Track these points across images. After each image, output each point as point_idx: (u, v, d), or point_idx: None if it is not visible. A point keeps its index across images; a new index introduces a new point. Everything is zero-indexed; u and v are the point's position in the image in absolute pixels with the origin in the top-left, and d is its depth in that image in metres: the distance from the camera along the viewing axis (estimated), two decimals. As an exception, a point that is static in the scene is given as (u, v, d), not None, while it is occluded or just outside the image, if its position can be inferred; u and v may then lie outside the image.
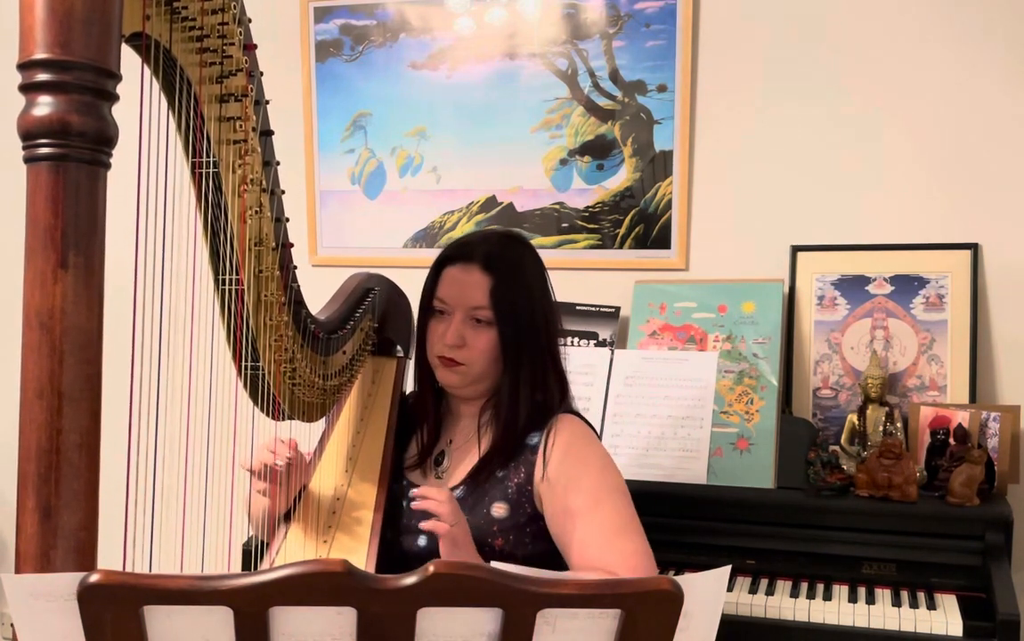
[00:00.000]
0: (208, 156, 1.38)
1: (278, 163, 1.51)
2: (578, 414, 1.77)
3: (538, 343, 1.72)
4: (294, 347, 1.59)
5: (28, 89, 1.01)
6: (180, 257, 1.25)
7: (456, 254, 1.74)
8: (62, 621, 0.81)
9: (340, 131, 2.93)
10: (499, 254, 1.73)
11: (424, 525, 1.54)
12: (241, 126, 1.40)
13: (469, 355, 1.70)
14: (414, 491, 1.59)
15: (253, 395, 1.58)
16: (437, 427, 1.81)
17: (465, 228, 2.83)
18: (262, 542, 1.76)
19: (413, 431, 1.82)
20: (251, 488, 1.74)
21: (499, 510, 1.67)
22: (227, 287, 1.46)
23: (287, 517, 1.71)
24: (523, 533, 1.67)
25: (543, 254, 2.72)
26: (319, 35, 2.91)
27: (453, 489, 1.71)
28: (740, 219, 2.61)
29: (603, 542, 1.59)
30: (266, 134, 1.47)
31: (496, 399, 1.74)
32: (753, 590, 2.06)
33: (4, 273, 2.27)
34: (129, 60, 1.10)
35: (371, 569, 1.60)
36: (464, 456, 1.76)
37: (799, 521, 2.14)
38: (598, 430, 2.31)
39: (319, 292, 1.81)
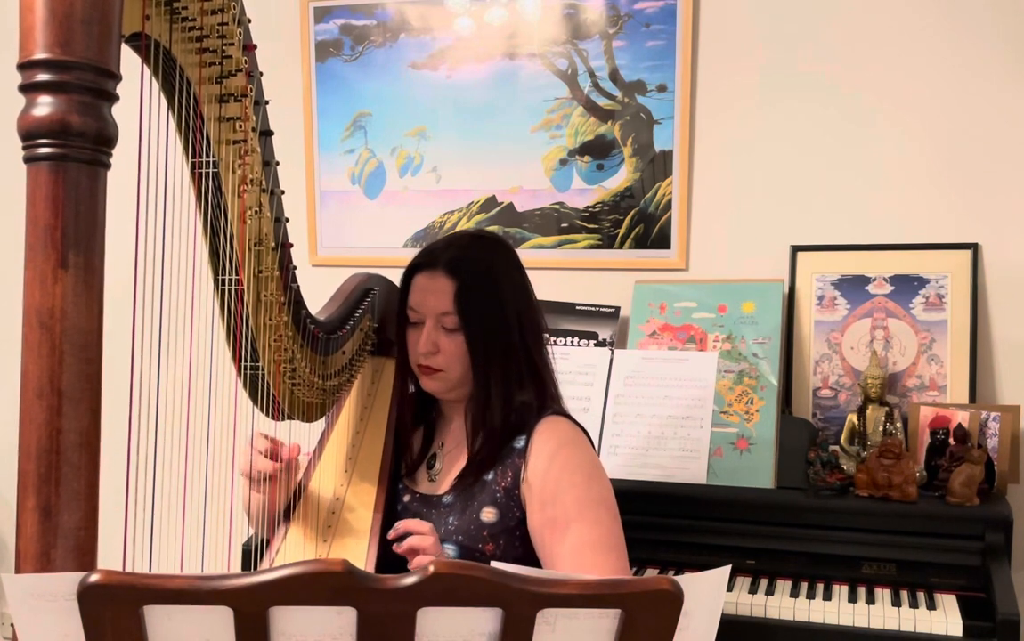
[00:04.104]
0: (208, 156, 1.38)
1: (278, 163, 1.51)
2: (566, 415, 1.75)
3: (510, 343, 1.70)
4: (294, 347, 1.59)
5: (28, 89, 1.01)
6: (180, 257, 1.25)
7: (423, 261, 1.73)
8: (62, 621, 0.81)
9: (340, 131, 2.93)
10: (464, 257, 1.71)
11: (412, 565, 1.53)
12: (241, 126, 1.40)
13: (444, 361, 1.69)
14: (398, 525, 1.57)
15: (253, 395, 1.58)
16: (430, 431, 1.81)
17: (465, 228, 2.83)
18: (262, 541, 1.76)
19: (407, 437, 1.82)
20: (247, 489, 1.74)
21: (488, 515, 1.66)
22: (227, 287, 1.46)
23: (287, 517, 1.71)
24: (513, 537, 1.66)
25: (543, 254, 2.77)
26: (319, 35, 2.91)
27: (444, 494, 1.71)
28: (740, 219, 2.61)
29: (579, 559, 1.58)
30: (266, 134, 1.47)
31: (472, 403, 1.73)
32: (753, 590, 2.06)
33: (4, 273, 2.27)
34: (129, 60, 1.10)
35: (371, 569, 1.60)
36: (455, 459, 1.75)
37: (799, 521, 2.14)
38: (599, 430, 2.31)
39: (319, 292, 1.81)
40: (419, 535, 1.54)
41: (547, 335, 1.81)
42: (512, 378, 1.70)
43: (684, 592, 0.85)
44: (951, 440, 2.20)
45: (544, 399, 1.73)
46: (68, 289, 1.00)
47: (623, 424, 2.32)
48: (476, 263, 1.71)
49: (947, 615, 1.94)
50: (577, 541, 1.59)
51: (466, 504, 1.68)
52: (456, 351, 1.68)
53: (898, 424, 2.31)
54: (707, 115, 2.63)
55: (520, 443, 1.68)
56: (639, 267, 2.68)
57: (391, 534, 1.57)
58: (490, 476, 1.68)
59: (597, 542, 1.59)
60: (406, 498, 1.75)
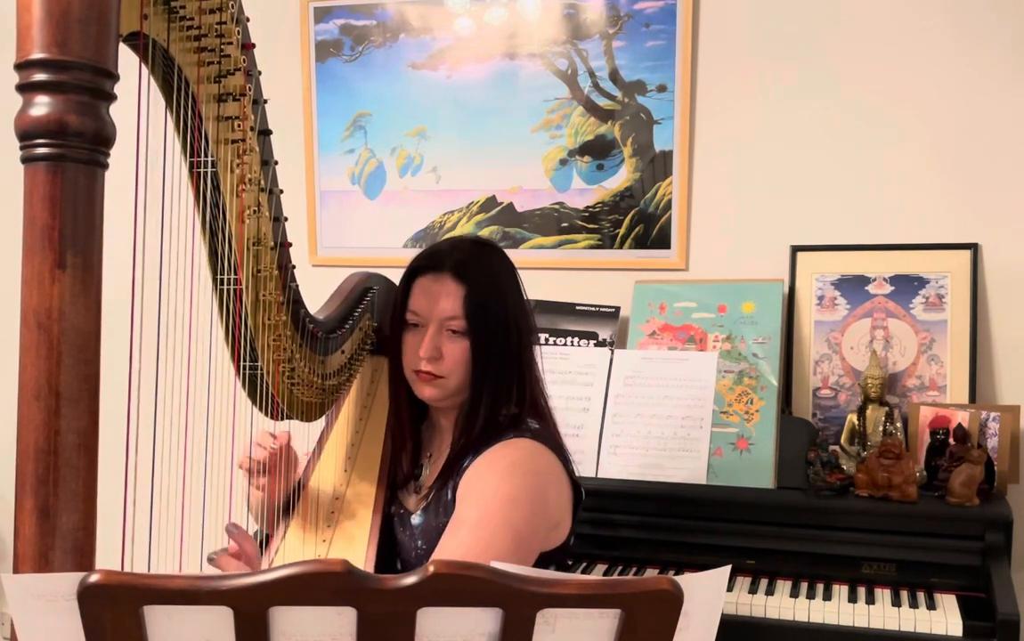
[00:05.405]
0: (206, 155, 1.37)
1: (276, 162, 1.50)
2: (540, 436, 1.65)
3: (508, 351, 1.66)
4: (292, 347, 1.58)
5: (25, 89, 1.00)
6: (178, 257, 1.25)
7: (426, 264, 1.68)
8: (62, 621, 0.81)
9: (340, 131, 2.93)
10: (471, 261, 1.67)
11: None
12: (239, 125, 1.40)
13: (446, 367, 1.64)
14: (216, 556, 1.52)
15: (252, 395, 1.57)
16: (417, 441, 1.78)
17: (465, 228, 2.83)
18: (261, 541, 1.76)
19: (403, 444, 1.78)
20: (248, 483, 1.74)
21: None
22: (225, 287, 1.45)
23: (286, 515, 1.71)
24: None
25: (543, 254, 2.77)
26: (319, 35, 2.91)
27: (414, 514, 1.69)
28: (740, 219, 2.61)
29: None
30: (264, 133, 1.47)
31: (461, 411, 1.69)
32: (753, 590, 2.06)
33: (2, 274, 2.27)
34: (127, 59, 1.10)
35: (370, 569, 1.60)
36: (438, 470, 1.71)
37: (799, 521, 2.14)
38: (598, 430, 2.31)
39: (319, 292, 1.80)
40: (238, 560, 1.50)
41: (539, 346, 1.76)
42: (502, 389, 1.66)
43: (684, 592, 0.85)
44: (951, 440, 2.20)
45: (523, 417, 1.67)
46: (66, 290, 1.00)
47: (623, 424, 2.32)
48: (482, 268, 1.68)
49: (947, 615, 1.93)
50: (458, 546, 1.48)
51: (431, 525, 1.65)
52: (459, 356, 1.64)
53: (898, 424, 2.31)
54: (707, 115, 2.63)
55: (468, 461, 1.63)
56: (639, 267, 2.68)
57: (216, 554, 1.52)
58: (449, 495, 1.64)
59: (476, 559, 1.47)
60: (392, 509, 1.74)
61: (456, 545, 1.49)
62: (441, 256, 1.68)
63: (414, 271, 1.70)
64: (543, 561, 1.61)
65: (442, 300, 1.65)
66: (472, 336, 1.64)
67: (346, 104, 2.92)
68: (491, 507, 1.52)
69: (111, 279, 1.09)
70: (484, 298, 1.65)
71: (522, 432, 1.64)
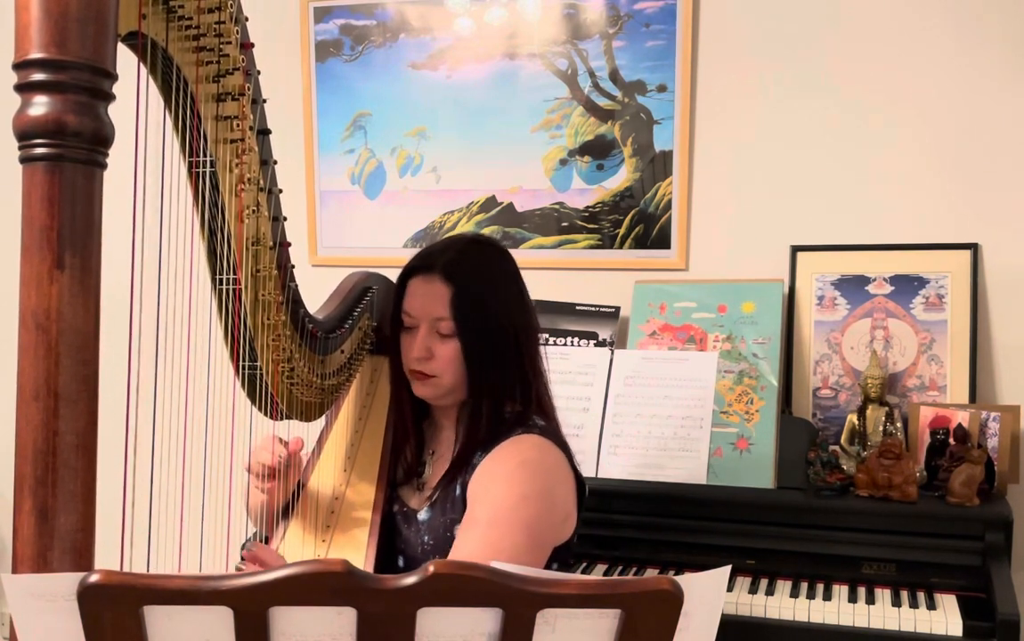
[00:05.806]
0: (205, 155, 1.37)
1: (275, 162, 1.50)
2: (545, 431, 1.66)
3: (505, 351, 1.66)
4: (292, 347, 1.58)
5: (24, 89, 1.00)
6: (177, 257, 1.25)
7: (419, 265, 1.69)
8: (62, 621, 0.81)
9: (340, 131, 2.93)
10: (461, 262, 1.67)
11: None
12: (238, 125, 1.40)
13: (438, 366, 1.65)
14: (244, 555, 1.52)
15: (251, 395, 1.57)
16: (420, 439, 1.78)
17: (465, 228, 2.83)
18: (261, 541, 1.76)
19: (403, 443, 1.78)
20: (249, 483, 1.74)
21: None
22: (225, 287, 1.45)
23: (285, 515, 1.71)
24: None
25: (543, 254, 2.77)
26: (319, 35, 2.91)
27: (420, 510, 1.69)
28: (740, 219, 2.61)
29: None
30: (263, 133, 1.47)
31: (463, 410, 1.70)
32: (753, 590, 2.06)
33: (1, 274, 2.26)
34: (125, 59, 1.09)
35: (370, 569, 1.59)
36: (442, 468, 1.71)
37: (799, 521, 2.13)
38: (598, 430, 2.31)
39: (319, 292, 1.80)
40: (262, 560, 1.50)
41: (542, 345, 1.76)
42: (503, 387, 1.67)
43: (684, 592, 0.85)
44: (951, 440, 2.20)
45: (529, 414, 1.68)
46: (64, 290, 1.00)
47: (623, 424, 2.31)
48: (473, 268, 1.68)
49: (947, 615, 1.93)
50: (475, 546, 1.49)
51: (439, 522, 1.66)
52: (450, 357, 1.65)
53: (898, 424, 2.31)
54: (707, 115, 2.63)
55: (478, 458, 1.64)
56: (639, 267, 2.67)
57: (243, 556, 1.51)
58: (458, 491, 1.65)
59: (493, 557, 1.47)
60: (395, 507, 1.74)
61: (473, 546, 1.50)
62: (433, 257, 1.69)
63: (408, 272, 1.72)
64: (553, 555, 1.62)
65: (431, 301, 1.66)
66: (461, 336, 1.64)
67: (346, 104, 2.91)
68: (504, 505, 1.54)
69: (110, 279, 1.08)
70: (473, 298, 1.65)
71: (529, 428, 1.65)
